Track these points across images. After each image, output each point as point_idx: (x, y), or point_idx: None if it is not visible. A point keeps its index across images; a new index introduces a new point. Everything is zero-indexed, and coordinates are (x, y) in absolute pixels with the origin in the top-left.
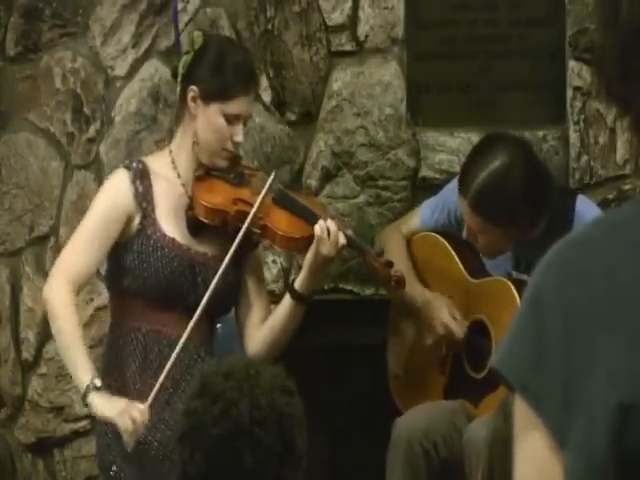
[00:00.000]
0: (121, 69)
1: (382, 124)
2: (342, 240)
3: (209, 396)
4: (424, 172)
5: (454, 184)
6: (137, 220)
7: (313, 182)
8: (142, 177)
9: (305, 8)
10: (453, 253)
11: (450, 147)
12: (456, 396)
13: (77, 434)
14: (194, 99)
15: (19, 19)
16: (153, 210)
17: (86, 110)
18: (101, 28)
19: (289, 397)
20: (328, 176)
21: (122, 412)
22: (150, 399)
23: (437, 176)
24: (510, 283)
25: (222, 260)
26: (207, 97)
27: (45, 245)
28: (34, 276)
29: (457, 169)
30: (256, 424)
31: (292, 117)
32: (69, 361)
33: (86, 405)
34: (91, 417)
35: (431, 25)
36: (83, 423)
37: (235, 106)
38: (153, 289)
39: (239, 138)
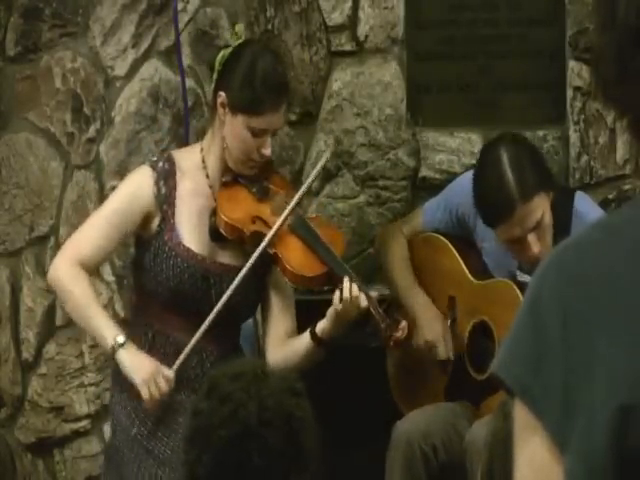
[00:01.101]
0: (121, 69)
1: (382, 124)
2: (364, 303)
3: (217, 397)
4: (424, 172)
5: (456, 185)
6: (156, 221)
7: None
8: (167, 178)
9: (305, 8)
10: (456, 254)
11: (450, 147)
12: (457, 397)
13: (77, 434)
14: (223, 105)
15: (19, 19)
16: (173, 214)
17: (86, 110)
18: (101, 28)
19: (298, 399)
20: (328, 176)
21: (147, 380)
22: (177, 364)
23: (437, 176)
24: (514, 284)
25: (239, 272)
26: (234, 107)
27: (45, 245)
28: (34, 276)
29: (457, 169)
30: (264, 425)
31: (292, 117)
32: (87, 325)
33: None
34: (91, 417)
35: (431, 25)
36: (83, 423)
37: (262, 121)
38: (165, 293)
39: (266, 151)
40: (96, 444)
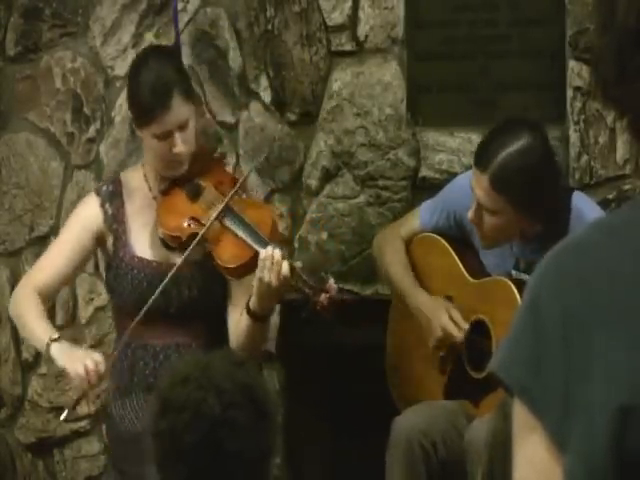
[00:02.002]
0: (121, 69)
1: (382, 124)
2: (285, 271)
3: (175, 410)
4: (424, 172)
5: (453, 186)
6: (110, 241)
7: (313, 182)
8: (112, 199)
9: (305, 8)
10: (453, 253)
11: (450, 147)
12: (456, 396)
13: (77, 434)
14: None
15: (19, 19)
16: (124, 231)
17: (86, 110)
18: (101, 28)
19: (245, 368)
20: (328, 176)
21: (75, 360)
22: (113, 352)
23: (437, 176)
24: (511, 283)
25: (196, 269)
26: (135, 124)
27: (45, 245)
28: None
29: (457, 169)
30: (229, 408)
31: (292, 117)
32: (28, 334)
33: (52, 362)
34: (91, 417)
35: (431, 25)
36: (83, 423)
37: (159, 126)
38: (131, 306)
39: (177, 148)
40: (96, 444)
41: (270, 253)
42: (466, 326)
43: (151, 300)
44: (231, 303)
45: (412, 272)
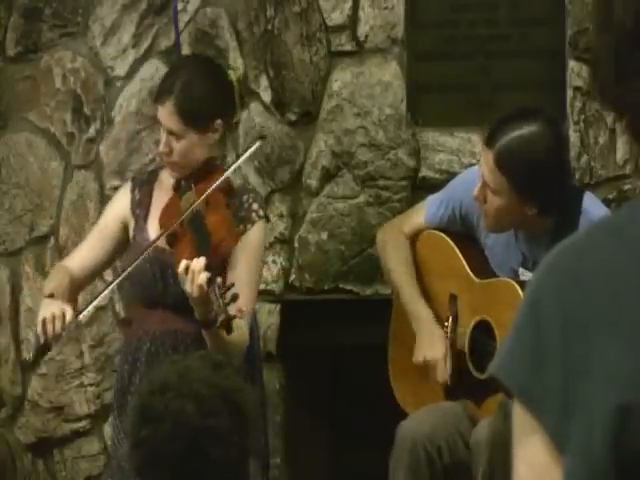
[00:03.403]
0: (121, 69)
1: (382, 124)
2: (201, 281)
3: (155, 419)
4: (424, 172)
5: (459, 180)
6: (132, 227)
7: (313, 182)
8: (142, 186)
9: (305, 8)
10: (458, 252)
11: (450, 147)
12: (459, 396)
13: (77, 434)
14: None
15: (19, 19)
16: (145, 217)
17: (86, 110)
18: (101, 28)
19: (222, 370)
20: (328, 176)
21: (46, 305)
22: (82, 310)
23: (437, 176)
24: (515, 284)
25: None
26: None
27: (45, 245)
28: (34, 276)
29: (457, 169)
30: (208, 417)
31: (292, 117)
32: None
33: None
34: (91, 417)
35: (431, 25)
36: (83, 423)
37: (156, 110)
38: (138, 290)
39: (160, 146)
40: (96, 444)
41: (191, 264)
42: (447, 371)
43: (115, 281)
44: None
45: (415, 271)
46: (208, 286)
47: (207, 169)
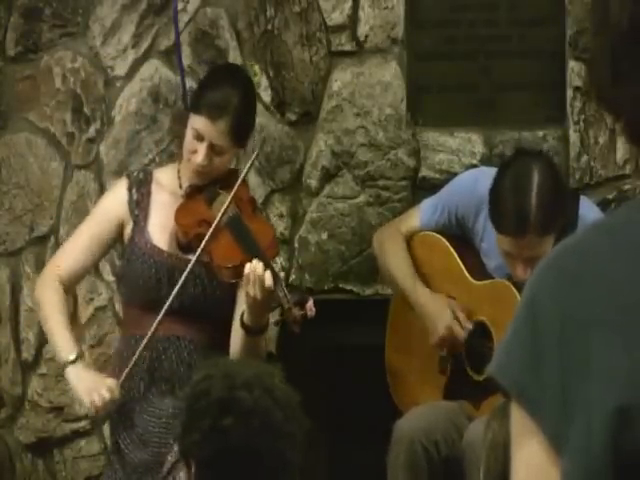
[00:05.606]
0: (121, 69)
1: (382, 124)
2: (268, 283)
3: (242, 412)
4: (424, 172)
5: (455, 184)
6: (129, 227)
7: (313, 182)
8: (140, 186)
9: (305, 8)
10: (454, 254)
11: (450, 147)
12: (456, 397)
13: (77, 434)
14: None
15: (19, 19)
16: (145, 218)
17: (86, 110)
18: (101, 28)
19: (286, 384)
20: (328, 176)
21: (90, 390)
22: (123, 375)
23: (437, 176)
24: (512, 285)
25: (204, 268)
26: (192, 104)
27: (45, 245)
28: (34, 276)
29: (457, 169)
30: (289, 421)
31: (292, 117)
32: (49, 338)
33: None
34: (91, 417)
35: (431, 25)
36: (83, 423)
37: (198, 121)
38: (137, 296)
39: (197, 159)
40: (96, 444)
41: (253, 267)
42: (470, 326)
43: (171, 297)
44: (236, 309)
45: (415, 270)
46: (275, 285)
47: (228, 173)
